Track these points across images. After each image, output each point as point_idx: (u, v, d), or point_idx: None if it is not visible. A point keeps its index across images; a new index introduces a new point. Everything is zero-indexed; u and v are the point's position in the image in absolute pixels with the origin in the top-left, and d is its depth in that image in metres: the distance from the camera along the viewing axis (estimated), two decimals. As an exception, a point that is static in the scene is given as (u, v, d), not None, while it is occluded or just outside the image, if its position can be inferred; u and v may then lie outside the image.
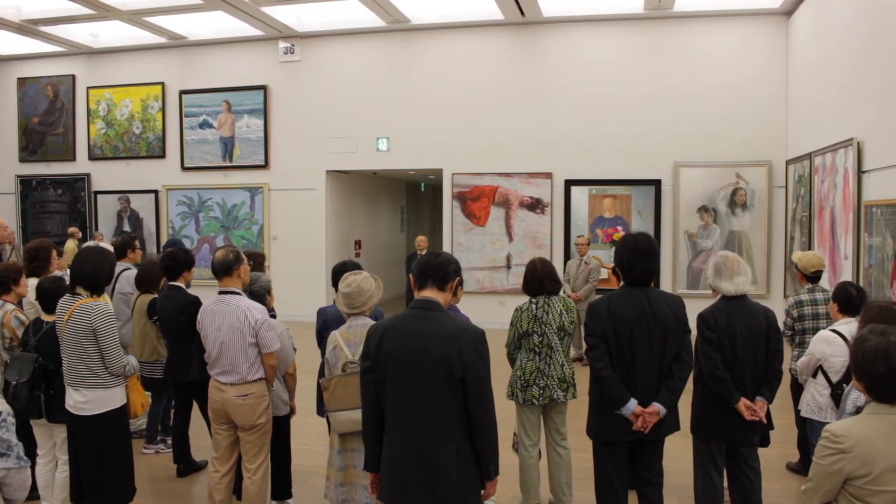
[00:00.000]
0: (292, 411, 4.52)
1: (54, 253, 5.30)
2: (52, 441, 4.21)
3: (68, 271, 5.34)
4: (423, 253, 10.18)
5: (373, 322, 3.56)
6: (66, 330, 3.80)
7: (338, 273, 4.32)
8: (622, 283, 3.65)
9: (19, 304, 4.69)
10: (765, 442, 3.92)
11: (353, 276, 3.74)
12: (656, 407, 3.46)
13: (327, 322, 4.19)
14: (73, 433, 3.91)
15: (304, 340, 4.51)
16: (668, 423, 3.56)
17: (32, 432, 4.30)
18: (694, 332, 3.64)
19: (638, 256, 3.54)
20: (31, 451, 4.43)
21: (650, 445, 3.61)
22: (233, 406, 3.95)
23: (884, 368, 2.27)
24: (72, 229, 11.88)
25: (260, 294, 4.39)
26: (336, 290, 4.34)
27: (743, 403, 3.68)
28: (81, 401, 3.81)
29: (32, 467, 4.24)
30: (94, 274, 3.86)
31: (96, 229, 12.90)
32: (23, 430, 4.14)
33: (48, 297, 4.20)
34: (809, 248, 8.38)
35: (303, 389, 4.62)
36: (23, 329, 4.41)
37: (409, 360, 2.65)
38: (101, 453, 3.86)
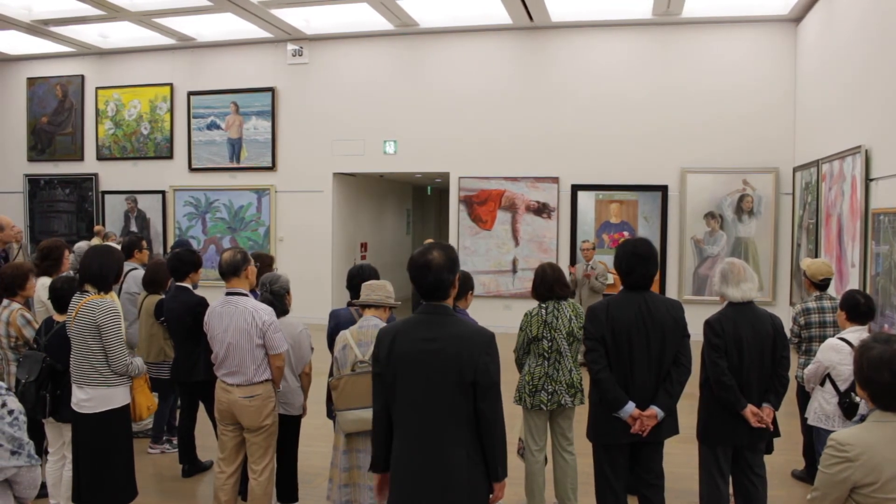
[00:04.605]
0: (303, 412, 4.52)
1: (66, 252, 5.35)
2: (62, 440, 4.23)
3: (71, 272, 5.38)
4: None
5: (384, 324, 3.59)
6: (74, 327, 3.82)
7: (354, 276, 4.36)
8: (622, 287, 3.68)
9: (26, 303, 4.73)
10: (769, 449, 3.92)
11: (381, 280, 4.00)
12: (654, 410, 3.50)
13: (339, 325, 4.19)
14: (76, 431, 3.92)
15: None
16: (667, 427, 3.60)
17: (44, 430, 4.32)
18: (697, 338, 3.65)
19: (636, 261, 3.58)
20: (41, 448, 4.47)
21: (649, 448, 3.65)
22: (239, 407, 3.96)
23: (889, 376, 2.26)
24: (97, 227, 11.88)
25: (280, 294, 4.39)
26: (349, 291, 4.39)
27: (749, 410, 3.68)
28: (84, 398, 3.82)
29: (43, 465, 4.29)
30: (101, 272, 3.89)
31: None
32: (35, 427, 4.19)
33: (61, 297, 4.22)
34: (816, 256, 8.35)
35: (311, 391, 4.62)
36: (29, 328, 4.45)
37: (420, 364, 2.64)
38: (100, 452, 3.84)
